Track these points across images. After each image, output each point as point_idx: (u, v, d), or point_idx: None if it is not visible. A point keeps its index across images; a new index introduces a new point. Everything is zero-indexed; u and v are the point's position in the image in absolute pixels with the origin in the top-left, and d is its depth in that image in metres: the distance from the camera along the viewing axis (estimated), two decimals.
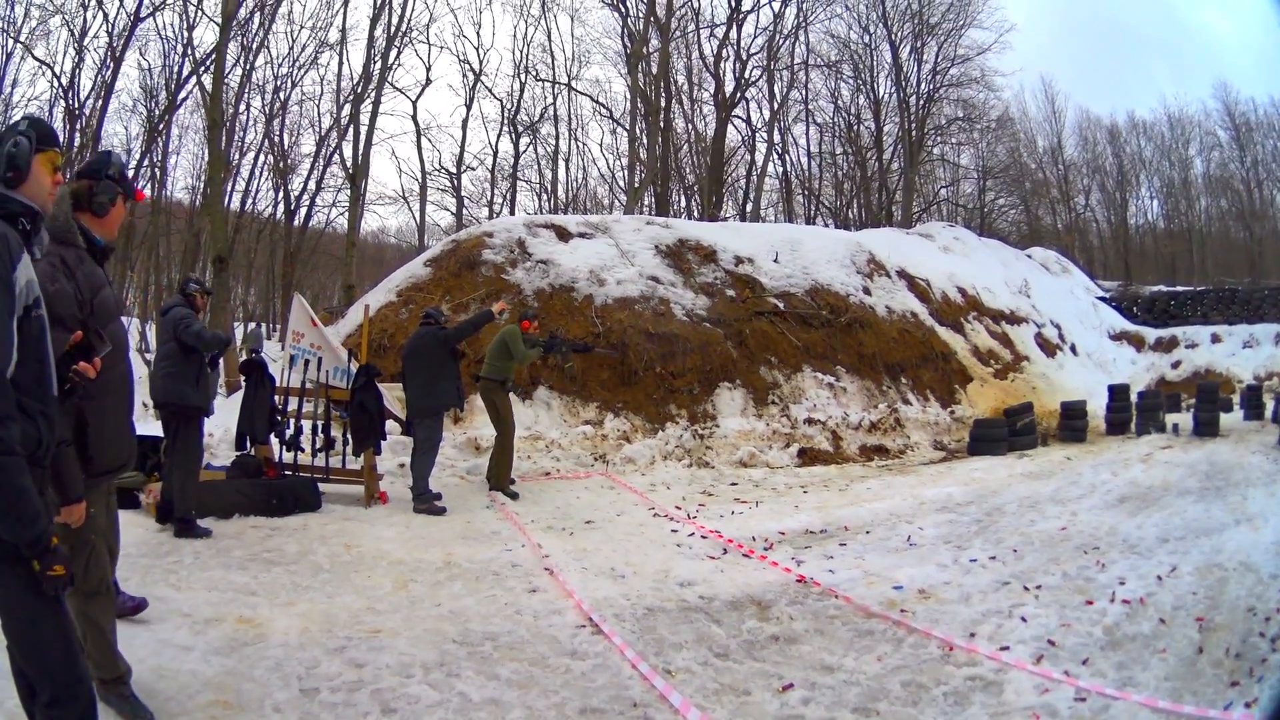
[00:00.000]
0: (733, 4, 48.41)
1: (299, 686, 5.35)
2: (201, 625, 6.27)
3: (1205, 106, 62.10)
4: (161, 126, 41.10)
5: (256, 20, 39.73)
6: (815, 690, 5.70)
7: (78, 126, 36.89)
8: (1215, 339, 32.35)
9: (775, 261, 22.79)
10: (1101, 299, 37.09)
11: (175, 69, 40.25)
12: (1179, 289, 41.13)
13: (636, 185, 43.98)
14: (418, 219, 52.62)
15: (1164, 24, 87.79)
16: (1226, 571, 8.38)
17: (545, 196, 55.75)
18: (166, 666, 5.42)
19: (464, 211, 51.98)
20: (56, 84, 37.40)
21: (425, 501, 11.40)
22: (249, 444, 12.04)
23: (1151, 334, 33.86)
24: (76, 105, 37.36)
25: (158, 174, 42.75)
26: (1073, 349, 31.12)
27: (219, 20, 31.96)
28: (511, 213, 49.56)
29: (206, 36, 41.59)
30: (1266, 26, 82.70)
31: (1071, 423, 20.52)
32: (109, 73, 37.13)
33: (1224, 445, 18.15)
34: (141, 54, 41.24)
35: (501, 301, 14.36)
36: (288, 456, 12.21)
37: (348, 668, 5.68)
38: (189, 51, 38.82)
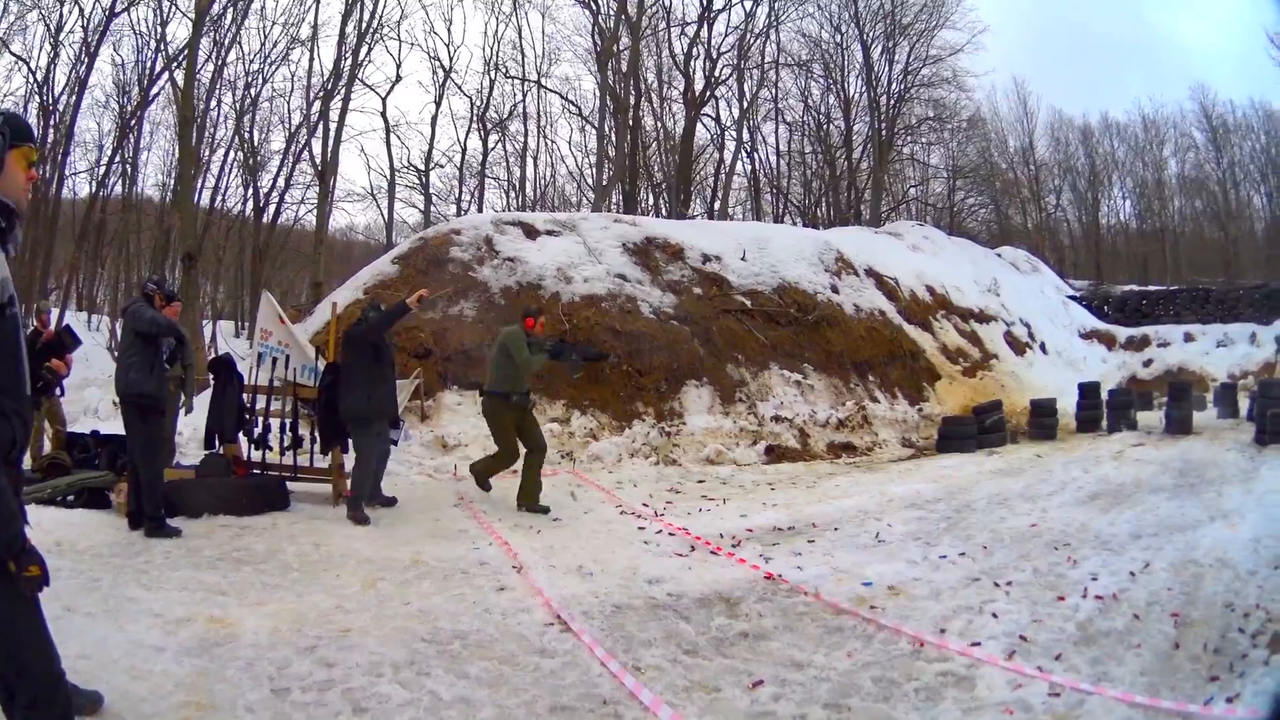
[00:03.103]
0: (704, 2, 48.63)
1: (270, 687, 5.34)
2: (173, 625, 6.26)
3: (1181, 108, 62.44)
4: (133, 122, 41.06)
5: (229, 16, 39.79)
6: (786, 687, 5.69)
7: (51, 123, 36.78)
8: (1188, 338, 32.43)
9: (743, 260, 22.86)
10: (1072, 298, 37.23)
11: (148, 64, 40.29)
12: (1151, 288, 41.34)
13: (605, 183, 44.07)
14: (386, 216, 52.49)
15: (1137, 30, 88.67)
16: (1202, 568, 8.41)
17: (513, 194, 55.80)
18: (140, 667, 5.39)
19: (432, 209, 51.93)
20: (31, 79, 37.40)
21: (353, 508, 10.80)
22: (217, 442, 12.02)
23: (1123, 333, 33.96)
24: (51, 101, 37.34)
25: (129, 170, 42.68)
26: (1042, 347, 31.24)
27: (192, 15, 31.90)
28: (479, 210, 49.56)
29: (179, 32, 41.47)
30: (1244, 30, 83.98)
31: (1041, 420, 20.64)
32: (83, 68, 37.22)
33: (1198, 442, 18.22)
34: (115, 49, 41.09)
35: (422, 289, 11.99)
36: (256, 455, 12.16)
37: (318, 667, 5.66)
38: (162, 47, 38.88)
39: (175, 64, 36.95)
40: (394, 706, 5.16)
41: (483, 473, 12.29)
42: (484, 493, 12.28)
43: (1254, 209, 61.82)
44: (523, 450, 11.99)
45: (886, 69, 53.37)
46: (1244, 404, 22.82)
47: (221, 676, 5.41)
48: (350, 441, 11.70)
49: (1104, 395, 22.69)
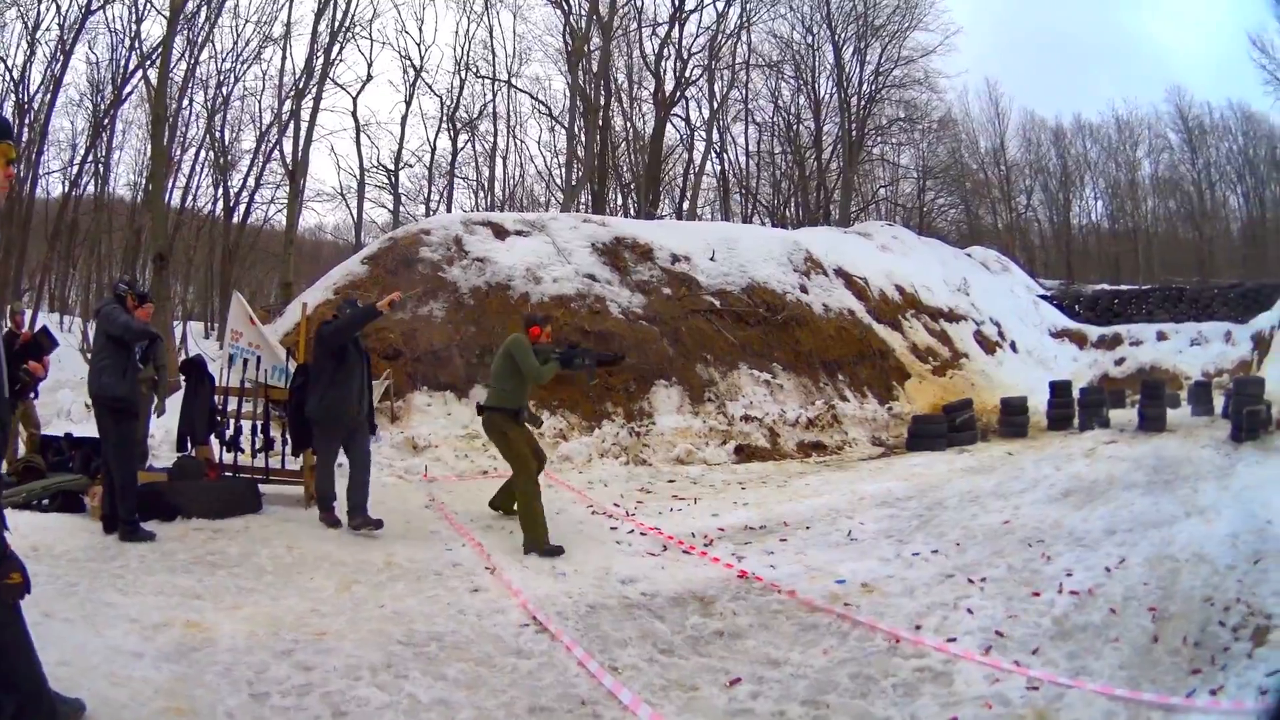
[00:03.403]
0: (676, 3, 48.69)
1: (249, 691, 5.34)
2: (150, 631, 6.23)
3: (1156, 110, 63.10)
4: (106, 121, 40.92)
5: (204, 13, 39.74)
6: (763, 684, 5.76)
7: (26, 121, 36.63)
8: (1161, 336, 32.67)
9: (712, 260, 22.94)
10: (1043, 297, 37.41)
11: (122, 62, 40.21)
12: (1123, 287, 41.61)
13: (574, 183, 44.01)
14: (355, 216, 52.62)
15: (1111, 33, 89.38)
16: (1179, 563, 8.51)
17: (482, 194, 55.92)
18: (119, 674, 5.38)
19: (401, 209, 51.98)
20: (8, 77, 37.31)
21: (324, 510, 10.70)
22: (189, 445, 11.98)
23: (1094, 331, 34.15)
24: (26, 99, 37.27)
25: (101, 170, 42.54)
26: (1013, 346, 31.41)
27: (167, 13, 31.75)
28: (448, 210, 49.50)
29: (154, 30, 41.39)
30: (1224, 32, 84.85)
31: (1012, 418, 20.72)
32: (59, 65, 37.14)
33: (1171, 440, 18.30)
34: (90, 47, 41.02)
35: (396, 293, 11.30)
36: (228, 457, 12.16)
37: (296, 671, 5.66)
38: (136, 44, 38.74)
39: (149, 61, 36.91)
40: (373, 709, 5.17)
41: (537, 538, 9.61)
42: (494, 512, 11.53)
43: (1230, 209, 62.54)
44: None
45: (858, 70, 53.65)
46: (1219, 402, 22.80)
47: (200, 682, 5.40)
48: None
49: (1075, 393, 22.76)
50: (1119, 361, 31.88)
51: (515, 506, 10.65)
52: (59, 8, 36.84)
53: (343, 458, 10.92)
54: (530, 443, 10.86)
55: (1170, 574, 8.17)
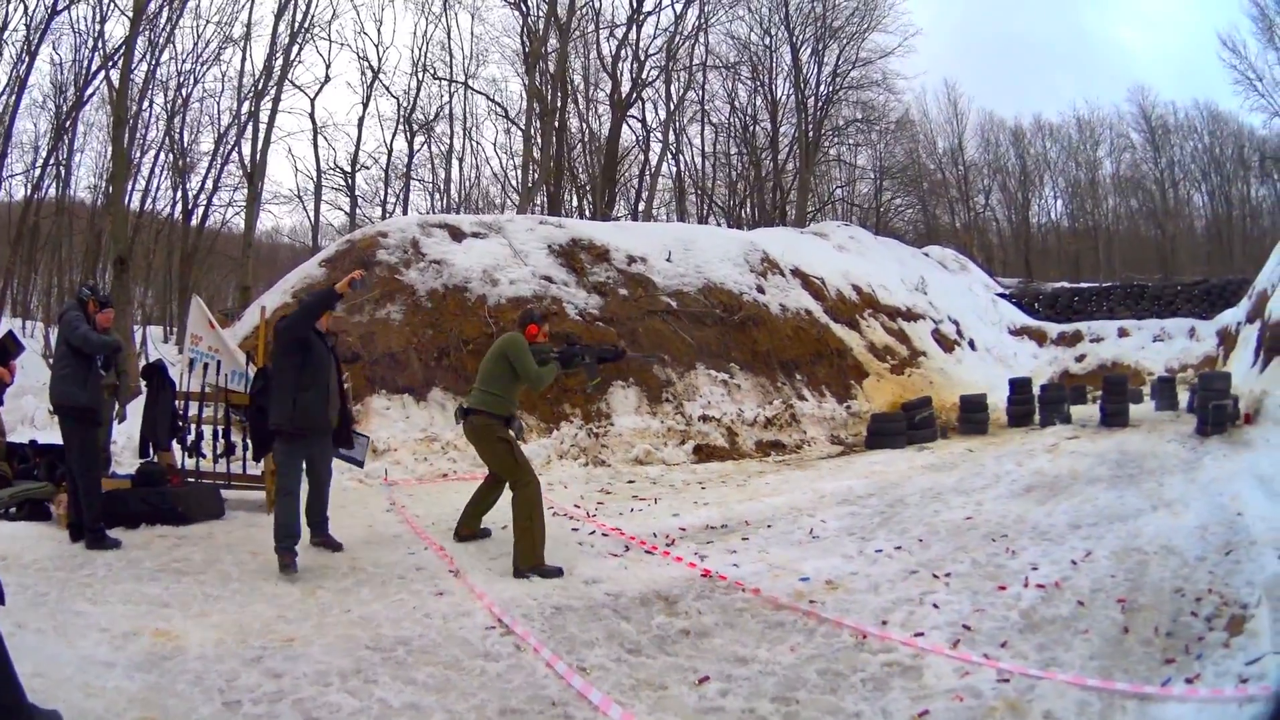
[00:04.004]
0: (634, 5, 48.86)
1: (221, 700, 5.34)
2: (121, 640, 6.24)
3: (1119, 110, 64.33)
4: (68, 123, 40.67)
5: (165, 14, 39.52)
6: (731, 682, 5.79)
7: None
8: (1122, 333, 33.20)
9: (668, 260, 23.07)
10: (1001, 295, 37.80)
11: (85, 64, 39.86)
12: (1083, 285, 42.02)
13: (530, 185, 44.02)
14: (312, 219, 52.44)
15: (1073, 36, 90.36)
16: (1146, 555, 8.64)
17: (438, 196, 55.87)
18: (93, 684, 5.38)
19: (358, 211, 51.96)
20: None
21: (281, 543, 8.81)
22: (152, 451, 11.98)
23: (1054, 329, 34.66)
24: None
25: (62, 173, 42.28)
26: (971, 344, 31.73)
27: (130, 14, 31.65)
28: (404, 212, 49.63)
29: (117, 31, 41.17)
30: (1190, 32, 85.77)
31: (972, 415, 20.91)
32: (24, 67, 36.75)
33: (1135, 435, 18.50)
34: (55, 48, 40.70)
35: (357, 271, 10.18)
36: (190, 463, 12.15)
37: (266, 678, 5.66)
38: (99, 45, 38.48)
39: (111, 63, 36.49)
40: (345, 716, 5.19)
41: (527, 556, 8.79)
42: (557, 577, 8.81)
43: (1194, 207, 63.57)
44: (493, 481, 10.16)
45: (815, 71, 54.01)
46: (1184, 397, 23.09)
47: (173, 691, 5.41)
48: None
49: (1036, 390, 22.96)
50: (1080, 358, 32.27)
51: (482, 526, 10.28)
52: (26, 8, 36.55)
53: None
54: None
55: (1138, 566, 8.28)
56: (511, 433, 9.46)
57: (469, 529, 10.20)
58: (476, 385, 9.64)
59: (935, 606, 7.26)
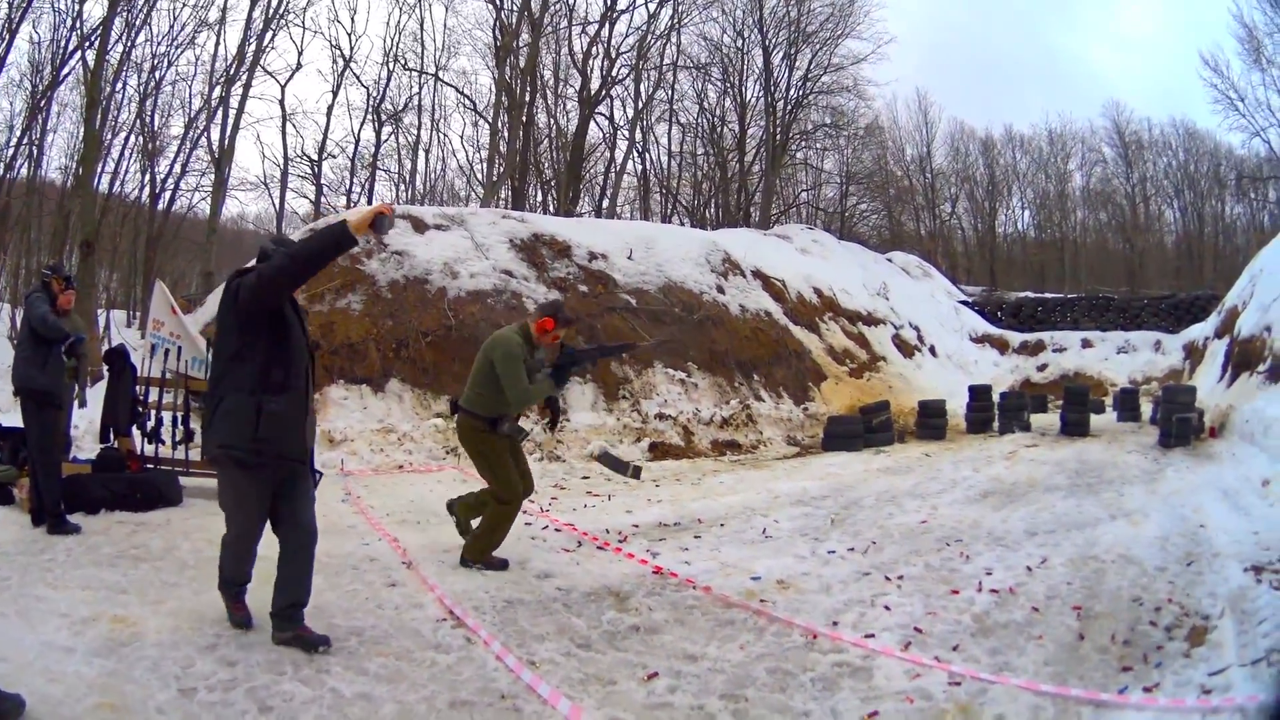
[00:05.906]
0: (608, 2, 48.86)
1: (177, 686, 5.36)
2: (80, 625, 6.29)
3: (1092, 125, 64.60)
4: (43, 103, 40.42)
5: None
6: (681, 679, 5.86)
7: None
8: (1086, 344, 33.54)
9: (629, 258, 23.25)
10: (964, 303, 38.03)
11: (63, 43, 39.53)
12: (1047, 295, 42.39)
13: (495, 178, 44.01)
14: (277, 206, 52.22)
15: (1046, 54, 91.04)
16: (1104, 564, 8.75)
17: (403, 187, 55.56)
18: (53, 670, 5.45)
19: (323, 199, 51.82)
20: None
21: (228, 594, 6.63)
22: (112, 436, 11.99)
23: (1016, 337, 34.96)
24: None
25: (34, 153, 41.99)
26: (932, 350, 31.96)
27: None
28: (369, 202, 48.87)
29: (95, 11, 40.90)
30: (1169, 52, 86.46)
31: (930, 420, 21.13)
32: (3, 46, 36.46)
33: (1096, 445, 18.75)
34: (34, 26, 40.37)
35: (386, 204, 8.57)
36: (149, 449, 12.15)
37: (221, 666, 5.70)
38: (77, 25, 38.22)
39: (88, 43, 36.25)
40: (298, 705, 5.23)
41: (479, 549, 8.65)
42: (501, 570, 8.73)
43: (1165, 223, 63.96)
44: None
45: (786, 75, 54.03)
46: (1147, 409, 23.37)
47: (130, 677, 5.44)
48: None
49: (996, 397, 23.12)
50: (1042, 368, 32.58)
51: (467, 521, 9.29)
52: None
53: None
54: (520, 463, 8.97)
55: (1095, 574, 8.40)
56: (499, 438, 8.62)
57: (462, 515, 9.33)
58: (468, 383, 8.76)
59: (887, 608, 7.36)
